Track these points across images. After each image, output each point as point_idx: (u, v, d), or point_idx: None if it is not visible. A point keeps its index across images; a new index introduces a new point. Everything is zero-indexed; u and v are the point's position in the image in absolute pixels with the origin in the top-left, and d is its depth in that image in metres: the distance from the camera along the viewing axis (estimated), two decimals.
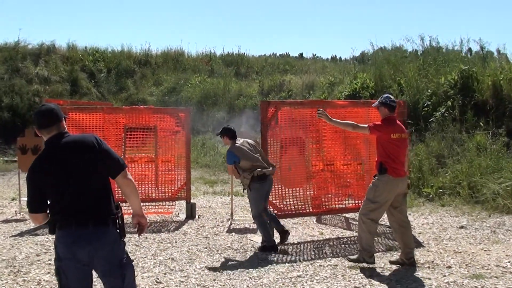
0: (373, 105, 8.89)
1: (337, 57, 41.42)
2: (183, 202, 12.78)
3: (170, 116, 12.29)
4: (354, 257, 8.67)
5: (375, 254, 8.60)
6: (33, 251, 9.35)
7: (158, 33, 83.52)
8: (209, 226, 11.41)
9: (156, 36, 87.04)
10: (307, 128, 10.91)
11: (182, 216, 12.43)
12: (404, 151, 8.50)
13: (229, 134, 9.77)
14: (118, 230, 4.72)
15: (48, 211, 4.63)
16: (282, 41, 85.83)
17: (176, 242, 10.03)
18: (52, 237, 10.19)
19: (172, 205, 12.58)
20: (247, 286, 7.50)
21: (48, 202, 4.61)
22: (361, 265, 8.40)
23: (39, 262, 8.67)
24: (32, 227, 11.39)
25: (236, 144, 9.61)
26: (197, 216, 12.35)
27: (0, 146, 26.38)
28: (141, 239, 10.12)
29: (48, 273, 8.04)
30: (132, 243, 9.81)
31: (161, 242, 10.01)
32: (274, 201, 10.36)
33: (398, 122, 8.59)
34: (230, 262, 8.73)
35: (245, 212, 12.98)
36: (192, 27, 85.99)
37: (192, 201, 12.68)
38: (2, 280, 7.72)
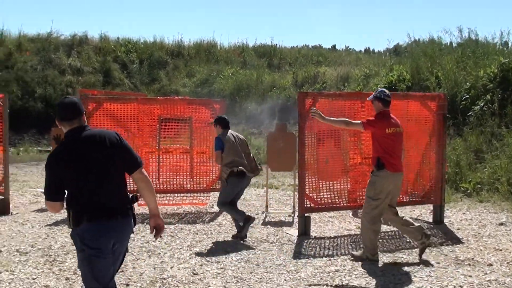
0: (368, 98, 8.82)
1: (371, 50, 41.13)
2: (218, 194, 12.65)
3: (205, 107, 12.20)
4: (358, 253, 8.56)
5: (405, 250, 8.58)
6: (68, 241, 9.31)
7: (191, 24, 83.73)
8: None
9: (189, 27, 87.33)
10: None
11: (216, 208, 12.32)
12: (400, 146, 8.43)
13: (223, 123, 9.89)
14: (134, 221, 4.92)
15: (65, 203, 4.74)
16: (315, 33, 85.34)
17: (211, 233, 9.95)
18: None
19: (207, 196, 12.50)
20: (285, 280, 7.39)
21: (66, 192, 4.72)
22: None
23: (74, 251, 8.57)
24: (66, 217, 11.37)
25: (227, 134, 9.77)
26: None
27: (34, 136, 26.58)
28: (177, 230, 10.08)
29: None
30: (168, 234, 9.78)
31: (197, 233, 9.94)
32: (310, 194, 10.20)
33: (392, 116, 8.46)
34: (266, 255, 8.61)
35: (280, 205, 12.87)
36: (224, 18, 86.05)
37: None
38: (38, 269, 7.70)
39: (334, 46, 42.05)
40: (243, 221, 9.60)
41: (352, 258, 8.46)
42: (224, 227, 10.48)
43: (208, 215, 11.69)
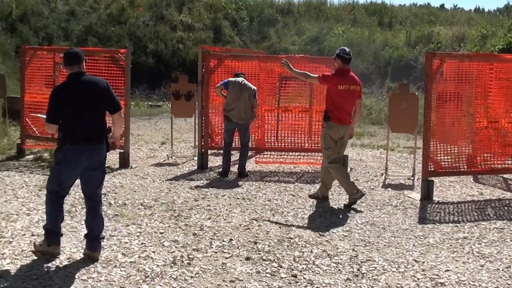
0: (332, 57, 9.38)
1: (481, 8, 39.54)
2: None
3: (325, 65, 11.95)
4: (312, 192, 9.72)
5: None
6: (190, 196, 9.43)
7: None
8: (363, 180, 11.12)
9: None
10: (472, 82, 10.34)
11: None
12: (350, 102, 9.05)
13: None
14: (107, 146, 6.41)
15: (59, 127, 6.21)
16: None
17: (332, 195, 9.81)
18: (206, 181, 10.36)
19: None
20: (413, 245, 7.20)
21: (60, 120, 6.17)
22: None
23: (198, 207, 8.71)
24: (186, 172, 11.55)
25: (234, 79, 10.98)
26: (349, 169, 12.07)
27: (145, 91, 27.10)
28: (297, 190, 10.04)
29: (209, 218, 8.06)
30: (288, 194, 9.73)
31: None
32: (434, 158, 9.90)
33: (351, 74, 9.14)
34: (391, 219, 8.43)
35: (397, 167, 12.58)
36: None
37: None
38: (164, 224, 7.79)
39: (442, 5, 40.65)
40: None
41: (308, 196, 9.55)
42: (339, 189, 10.31)
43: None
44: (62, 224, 6.53)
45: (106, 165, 11.37)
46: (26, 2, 28.63)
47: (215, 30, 31.19)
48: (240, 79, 10.95)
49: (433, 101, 9.81)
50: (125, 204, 8.79)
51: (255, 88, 11.10)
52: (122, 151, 11.88)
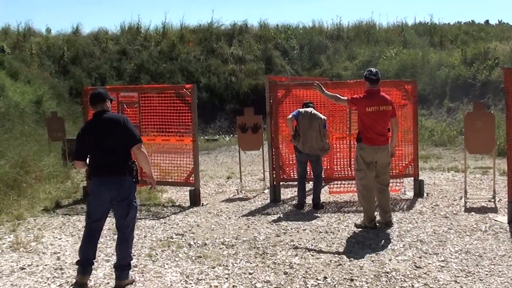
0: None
1: None
2: (411, 179, 12.09)
3: (396, 88, 11.64)
4: (359, 221, 9.38)
5: None
6: (271, 232, 9.15)
7: (349, 5, 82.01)
8: (444, 205, 10.69)
9: (347, 9, 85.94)
10: None
11: (409, 194, 11.81)
12: (382, 123, 8.99)
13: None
14: (133, 179, 6.74)
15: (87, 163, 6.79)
16: (468, 8, 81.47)
17: (416, 222, 9.44)
18: (282, 215, 10.16)
19: (400, 182, 11.92)
20: None
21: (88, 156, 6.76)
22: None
23: (281, 243, 8.43)
24: (259, 206, 11.32)
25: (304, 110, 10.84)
26: (425, 194, 11.66)
27: (200, 125, 26.92)
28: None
29: (296, 255, 7.78)
30: None
31: (401, 222, 9.44)
32: None
33: (381, 94, 9.09)
34: (485, 245, 8.01)
35: (475, 189, 12.12)
36: None
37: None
38: (251, 263, 7.52)
39: (487, 21, 39.68)
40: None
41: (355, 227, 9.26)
42: (427, 215, 9.92)
43: (403, 202, 11.15)
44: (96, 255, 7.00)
45: (176, 204, 11.34)
46: (77, 44, 29.08)
47: (266, 60, 31.07)
48: (309, 109, 10.76)
49: None
50: (205, 244, 8.57)
51: (325, 118, 10.86)
52: (192, 188, 11.72)
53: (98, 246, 7.06)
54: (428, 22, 36.00)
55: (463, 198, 11.03)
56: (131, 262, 6.89)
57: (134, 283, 6.80)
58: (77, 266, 6.82)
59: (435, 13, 69.05)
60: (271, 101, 11.60)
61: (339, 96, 9.60)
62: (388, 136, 9.21)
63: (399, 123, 10.63)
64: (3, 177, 11.77)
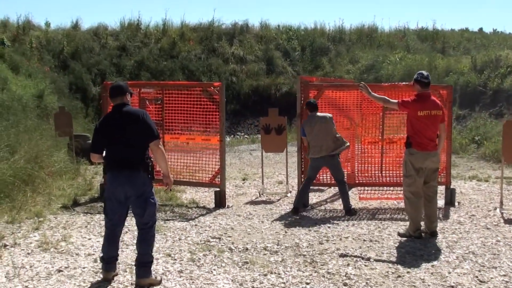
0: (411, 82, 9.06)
1: None
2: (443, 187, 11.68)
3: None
4: (402, 231, 8.97)
5: None
6: (312, 239, 8.73)
7: (351, 8, 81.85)
8: (480, 216, 10.30)
9: (349, 12, 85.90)
10: None
11: (440, 203, 11.39)
12: (432, 128, 8.65)
13: (309, 107, 10.64)
14: (149, 175, 6.51)
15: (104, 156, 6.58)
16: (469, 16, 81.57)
17: (460, 233, 9.06)
18: (316, 220, 9.70)
19: None
20: None
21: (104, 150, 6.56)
22: None
23: (327, 251, 8.02)
24: (288, 210, 10.90)
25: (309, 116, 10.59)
26: (457, 203, 11.29)
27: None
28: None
29: (348, 265, 7.38)
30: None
31: (444, 232, 9.06)
32: None
33: (432, 98, 8.80)
34: None
35: (505, 199, 11.74)
36: (385, 1, 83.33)
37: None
38: (303, 272, 7.12)
39: (481, 29, 39.59)
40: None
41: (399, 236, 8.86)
42: (467, 225, 9.55)
43: (438, 211, 10.77)
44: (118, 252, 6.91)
45: (201, 205, 10.92)
46: (77, 39, 28.51)
47: (267, 61, 30.67)
48: (313, 113, 10.56)
49: None
50: (246, 249, 8.18)
51: (331, 115, 10.61)
52: (218, 189, 11.31)
53: (132, 248, 6.88)
54: (430, 28, 35.84)
55: (497, 209, 10.70)
56: (152, 260, 6.70)
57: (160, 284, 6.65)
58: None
59: (438, 19, 68.87)
60: (302, 102, 11.17)
61: (388, 98, 9.20)
62: (436, 142, 8.83)
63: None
64: (19, 172, 11.28)
